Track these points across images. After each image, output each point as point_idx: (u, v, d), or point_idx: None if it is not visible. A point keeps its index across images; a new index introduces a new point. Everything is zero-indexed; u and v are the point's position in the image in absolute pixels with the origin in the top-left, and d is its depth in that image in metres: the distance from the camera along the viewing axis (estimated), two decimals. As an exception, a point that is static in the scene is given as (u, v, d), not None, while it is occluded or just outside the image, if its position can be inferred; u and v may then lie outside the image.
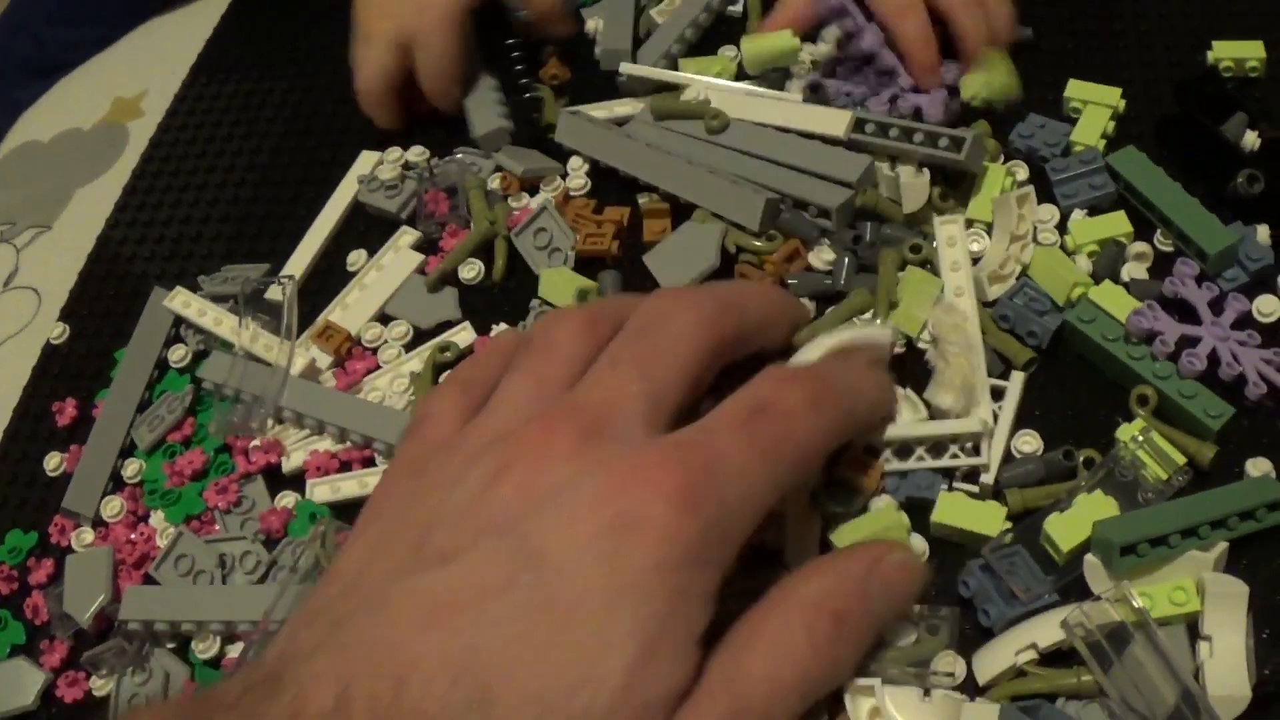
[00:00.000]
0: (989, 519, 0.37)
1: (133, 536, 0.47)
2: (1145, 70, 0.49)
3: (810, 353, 0.38)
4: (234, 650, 0.42)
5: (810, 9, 0.50)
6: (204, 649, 0.42)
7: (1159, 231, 0.44)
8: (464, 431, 0.32)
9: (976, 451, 0.38)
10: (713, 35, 0.55)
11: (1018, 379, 0.40)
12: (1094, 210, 0.45)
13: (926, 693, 0.34)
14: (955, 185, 0.46)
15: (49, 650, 0.45)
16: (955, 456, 0.39)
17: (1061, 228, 0.44)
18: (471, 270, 0.49)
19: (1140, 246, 0.43)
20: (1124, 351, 0.40)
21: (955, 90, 0.48)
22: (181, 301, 0.52)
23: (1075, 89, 0.47)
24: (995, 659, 0.35)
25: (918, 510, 0.38)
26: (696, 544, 0.28)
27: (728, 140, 0.48)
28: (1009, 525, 0.37)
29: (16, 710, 0.44)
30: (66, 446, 0.51)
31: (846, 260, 0.44)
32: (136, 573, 0.45)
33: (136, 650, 0.43)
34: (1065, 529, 0.36)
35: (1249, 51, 0.48)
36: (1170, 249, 0.43)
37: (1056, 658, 0.35)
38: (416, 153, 0.55)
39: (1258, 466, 0.38)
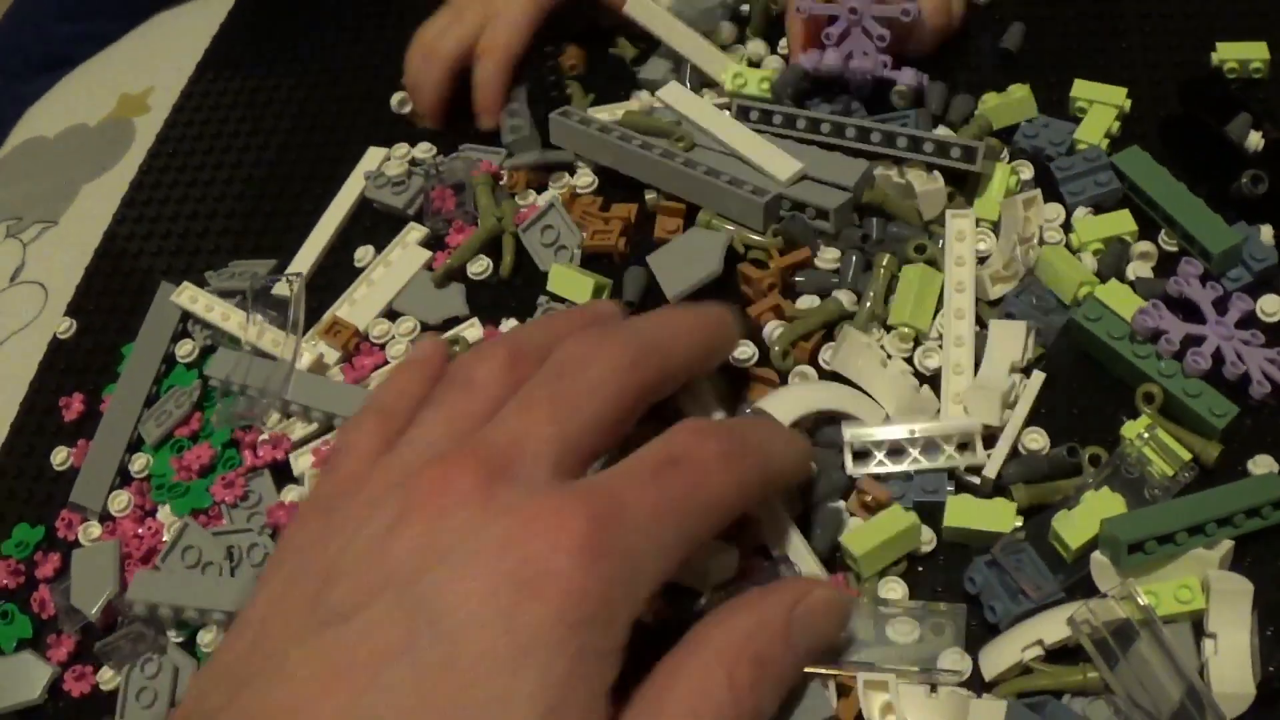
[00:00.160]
0: (1000, 517, 0.37)
1: (140, 531, 0.47)
2: (1149, 71, 0.49)
3: (788, 405, 0.38)
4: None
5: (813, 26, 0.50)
6: (210, 641, 0.42)
7: (1163, 231, 0.44)
8: (375, 468, 0.32)
9: (971, 449, 0.38)
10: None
11: (1037, 378, 0.40)
12: (1099, 209, 0.45)
13: (933, 688, 0.34)
14: (961, 184, 0.46)
15: (56, 644, 0.45)
16: (951, 458, 0.39)
17: (1066, 226, 0.45)
18: (479, 266, 0.50)
19: (1145, 246, 0.44)
20: (1129, 350, 0.40)
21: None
22: (189, 297, 0.52)
23: (1081, 89, 0.48)
24: (1002, 655, 0.35)
25: (926, 515, 0.38)
26: (600, 599, 0.27)
27: (719, 146, 0.48)
28: (1019, 522, 0.37)
29: (23, 704, 0.44)
30: (73, 441, 0.51)
31: (854, 259, 0.44)
32: (144, 567, 0.46)
33: (154, 638, 0.43)
34: (1073, 526, 0.36)
35: (1253, 53, 0.48)
36: (1175, 249, 0.44)
37: (1062, 654, 0.35)
38: (424, 149, 0.55)
39: (1262, 465, 0.38)
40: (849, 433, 0.39)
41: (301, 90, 0.62)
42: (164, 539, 0.46)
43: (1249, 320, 0.41)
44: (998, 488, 0.39)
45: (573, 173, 0.52)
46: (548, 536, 0.27)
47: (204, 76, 0.65)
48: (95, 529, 0.48)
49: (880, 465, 0.39)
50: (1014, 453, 0.39)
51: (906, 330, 0.42)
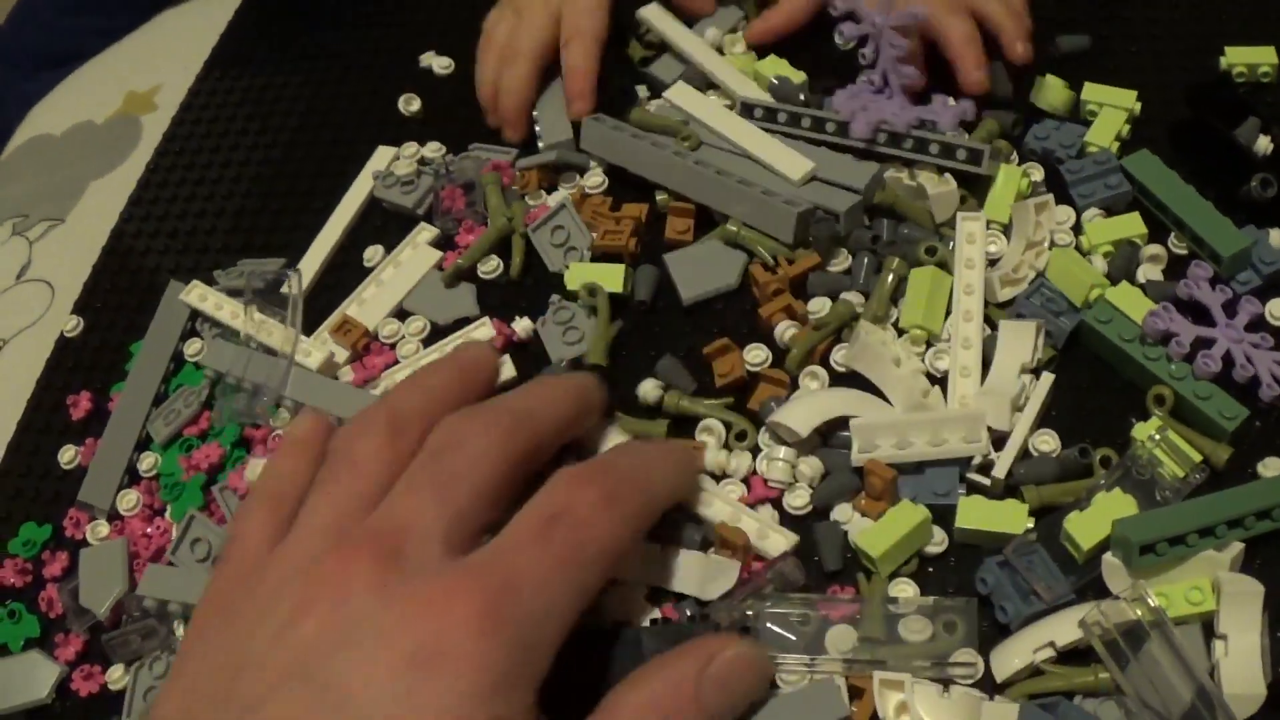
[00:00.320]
0: (1012, 518, 0.37)
1: (149, 530, 0.47)
2: (1158, 75, 0.49)
3: (802, 415, 0.40)
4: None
5: (807, 8, 0.50)
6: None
7: (1173, 234, 0.44)
8: (270, 559, 0.32)
9: (977, 440, 0.39)
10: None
11: (1046, 379, 0.40)
12: (1109, 211, 0.45)
13: (945, 688, 0.34)
14: (973, 186, 0.46)
15: (64, 644, 0.45)
16: (958, 446, 0.39)
17: (1076, 228, 0.45)
18: (489, 266, 0.50)
19: (1154, 249, 0.44)
20: (1140, 352, 0.40)
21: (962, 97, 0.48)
22: (198, 295, 0.52)
23: (1092, 91, 0.48)
24: (1013, 656, 0.35)
25: (937, 517, 0.38)
26: (502, 668, 0.28)
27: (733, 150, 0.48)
28: (1031, 523, 0.37)
29: (31, 704, 0.44)
30: (81, 440, 0.51)
31: (865, 261, 0.44)
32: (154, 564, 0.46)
33: (165, 634, 0.43)
34: (1085, 527, 0.36)
35: (1261, 57, 0.48)
36: (1184, 252, 0.44)
37: (1072, 656, 0.35)
38: (433, 149, 0.55)
39: (1272, 467, 0.38)
40: (855, 423, 0.39)
41: (310, 88, 0.62)
42: (173, 538, 0.46)
43: (1258, 323, 0.41)
44: (1009, 489, 0.39)
45: (583, 173, 0.52)
46: (445, 615, 0.28)
47: (211, 74, 0.65)
48: (103, 528, 0.48)
49: (886, 455, 0.39)
50: (1024, 454, 0.39)
51: (919, 332, 0.42)
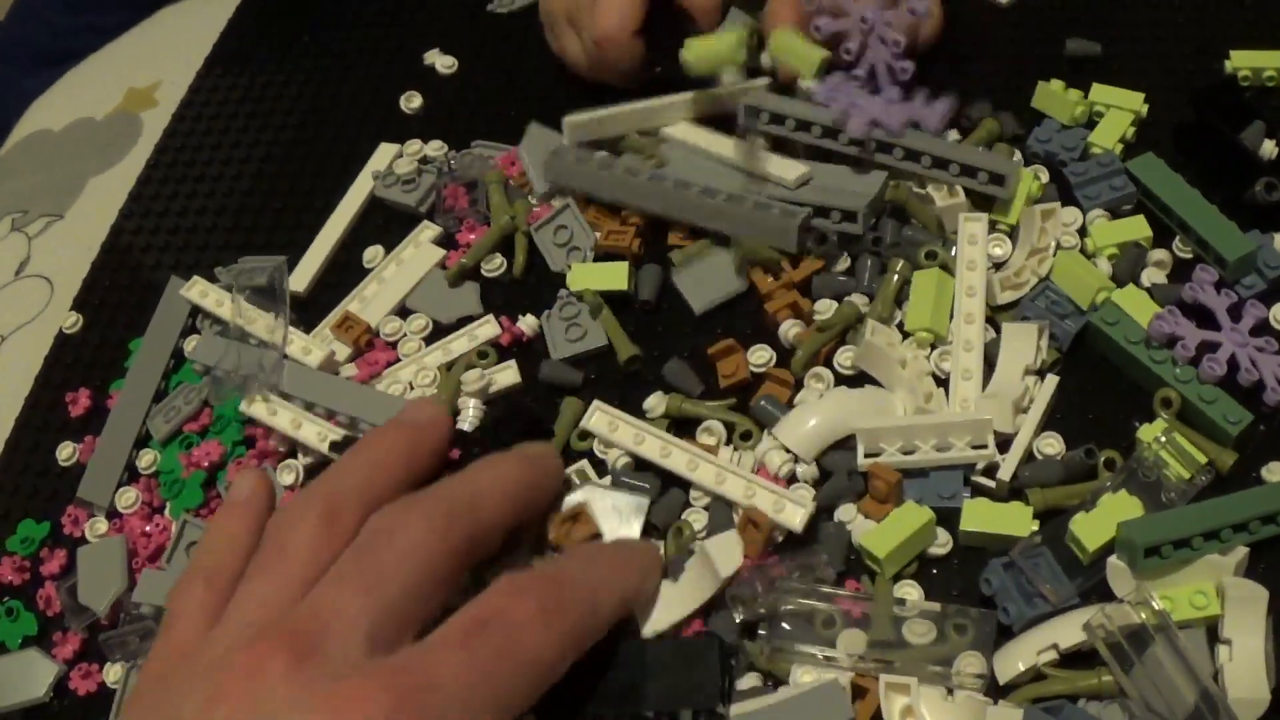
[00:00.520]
0: (1017, 521, 0.37)
1: (148, 528, 0.47)
2: (1163, 78, 0.49)
3: (808, 440, 0.40)
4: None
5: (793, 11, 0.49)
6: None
7: (1178, 238, 0.44)
8: (198, 647, 0.32)
9: (983, 445, 0.38)
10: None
11: (1050, 382, 0.40)
12: (1114, 214, 0.45)
13: (950, 691, 0.34)
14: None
15: (61, 642, 0.45)
16: (963, 452, 0.39)
17: (1081, 231, 0.45)
18: (493, 264, 0.49)
19: (1159, 253, 0.44)
20: (1146, 355, 0.40)
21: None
22: (199, 291, 0.52)
23: (1099, 93, 0.48)
24: (1016, 659, 0.35)
25: (941, 519, 0.38)
26: None
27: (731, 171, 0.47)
28: (1036, 526, 0.37)
29: (28, 702, 0.44)
30: (80, 437, 0.51)
31: (869, 262, 0.44)
32: (152, 566, 0.45)
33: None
34: (1091, 528, 0.36)
35: (1267, 61, 0.48)
36: (1189, 255, 0.44)
37: (1076, 659, 0.35)
38: (435, 147, 0.55)
39: (1276, 472, 0.38)
40: (860, 427, 0.39)
41: (312, 85, 0.62)
42: (171, 534, 0.46)
43: (1263, 328, 0.41)
44: (1013, 491, 0.39)
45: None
46: (352, 716, 0.28)
47: (212, 71, 0.65)
48: (102, 525, 0.47)
49: (892, 459, 0.39)
50: (1029, 456, 0.39)
51: (925, 335, 0.42)
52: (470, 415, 0.45)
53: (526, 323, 0.47)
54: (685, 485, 0.41)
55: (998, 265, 0.44)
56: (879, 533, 0.37)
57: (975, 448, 0.39)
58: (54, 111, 0.69)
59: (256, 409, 0.46)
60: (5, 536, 0.49)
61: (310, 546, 0.33)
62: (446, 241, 0.51)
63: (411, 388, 0.46)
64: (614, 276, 0.46)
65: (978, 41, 0.52)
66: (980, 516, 0.37)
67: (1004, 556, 0.37)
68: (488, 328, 0.47)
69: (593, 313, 0.46)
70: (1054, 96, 0.48)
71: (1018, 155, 0.47)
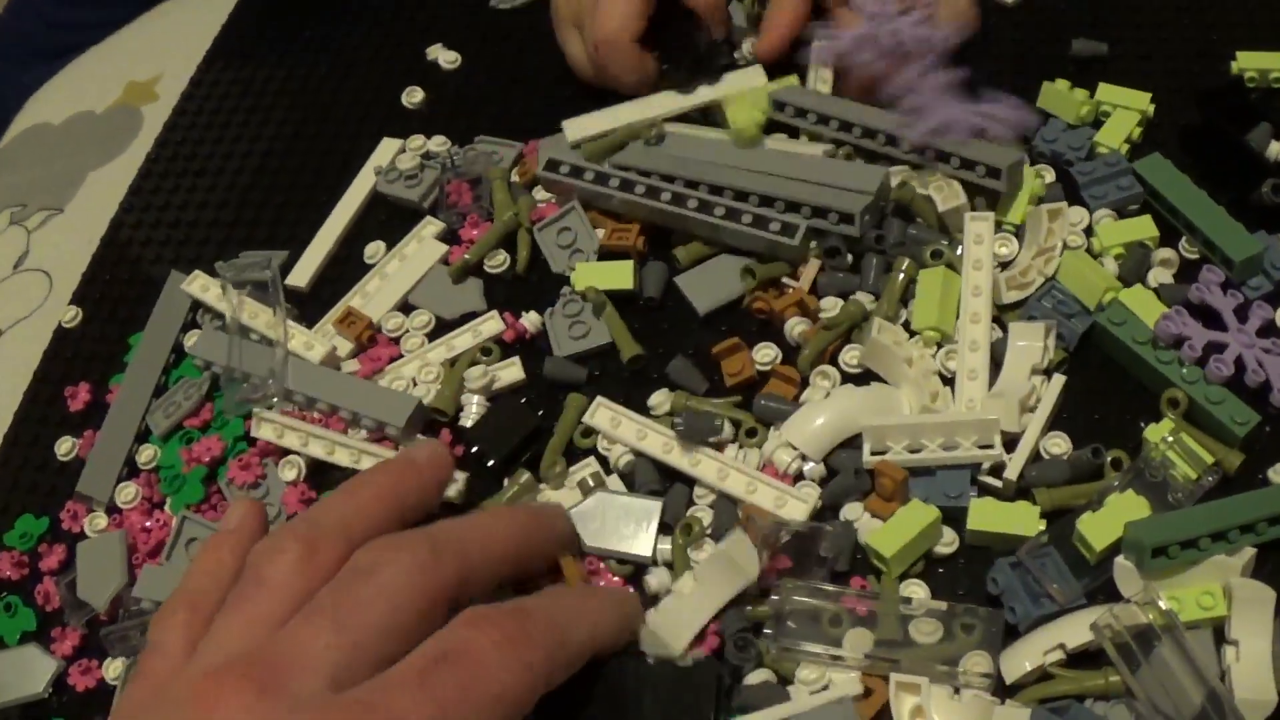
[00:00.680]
0: (1024, 520, 0.37)
1: (148, 524, 0.46)
2: (1169, 79, 0.49)
3: (817, 441, 0.39)
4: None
5: (803, 9, 0.49)
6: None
7: (1184, 238, 0.44)
8: (178, 671, 0.32)
9: (990, 446, 0.38)
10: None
11: (1057, 381, 0.40)
12: (1120, 213, 0.45)
13: (957, 690, 0.34)
14: (986, 190, 0.46)
15: (60, 638, 0.44)
16: (969, 451, 0.39)
17: (1088, 231, 0.45)
18: (497, 260, 0.49)
19: (1166, 253, 0.44)
20: (1153, 355, 0.40)
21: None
22: (200, 285, 0.52)
23: (1105, 92, 0.48)
24: (1023, 659, 0.35)
25: (949, 519, 0.38)
26: None
27: (737, 160, 0.47)
28: (1043, 525, 0.37)
29: (27, 698, 0.44)
30: (79, 432, 0.50)
31: (874, 261, 0.44)
32: (153, 561, 0.45)
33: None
34: (1098, 528, 0.36)
35: (1272, 63, 0.48)
36: (1195, 256, 0.44)
37: (1082, 659, 0.35)
38: (438, 142, 0.55)
39: (1282, 473, 0.38)
40: (867, 424, 0.39)
41: (313, 80, 0.62)
42: (171, 529, 0.46)
43: (1269, 329, 0.41)
44: (1020, 490, 0.39)
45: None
46: None
47: (213, 65, 0.65)
48: (101, 519, 0.47)
49: (898, 457, 0.39)
50: (1036, 456, 0.39)
51: (931, 334, 0.42)
52: (474, 411, 0.44)
53: (529, 319, 0.47)
54: (689, 482, 0.41)
55: (1004, 264, 0.44)
56: (885, 532, 0.37)
57: (982, 447, 0.39)
58: (54, 105, 0.69)
59: (264, 431, 0.45)
60: (3, 531, 0.48)
61: (288, 579, 0.32)
62: (449, 237, 0.51)
63: (415, 384, 0.46)
64: (619, 275, 0.46)
65: (983, 41, 0.52)
66: (987, 516, 0.37)
67: (1010, 556, 0.37)
68: (491, 324, 0.47)
69: (596, 311, 0.46)
70: (1060, 96, 0.48)
71: (1022, 154, 0.47)
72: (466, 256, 0.49)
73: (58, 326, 0.55)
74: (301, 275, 0.52)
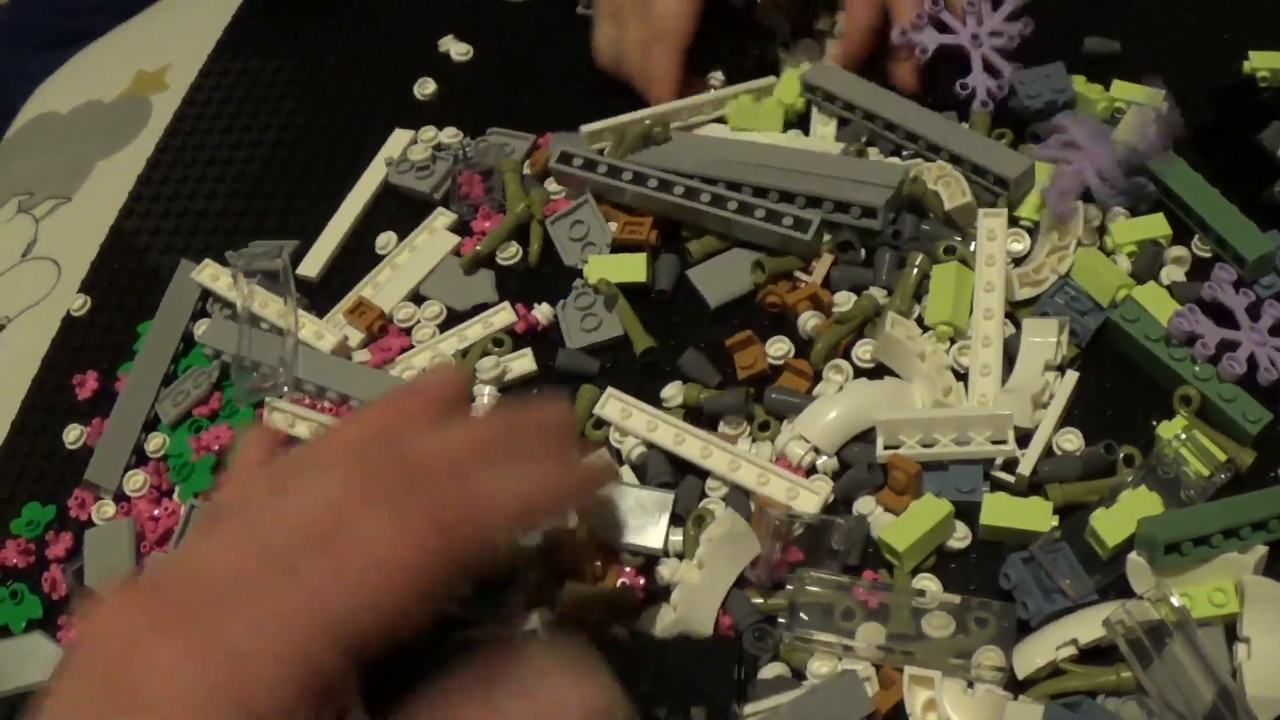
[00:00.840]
0: (1037, 516, 0.37)
1: (156, 512, 0.46)
2: (1182, 78, 0.49)
3: (830, 435, 0.39)
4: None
5: (875, 18, 0.49)
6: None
7: (1196, 237, 0.44)
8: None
9: (1003, 441, 0.38)
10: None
11: (1070, 377, 0.40)
12: (1133, 211, 0.45)
13: (970, 685, 0.34)
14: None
15: (67, 625, 0.44)
16: (982, 446, 0.39)
17: (1101, 228, 0.45)
18: (509, 252, 0.49)
19: (1178, 250, 0.44)
20: (1166, 352, 0.40)
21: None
22: (210, 274, 0.52)
23: (1119, 89, 0.48)
24: (1035, 654, 0.35)
25: (962, 514, 0.38)
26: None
27: (759, 158, 0.47)
28: (1056, 521, 0.37)
29: (32, 685, 0.43)
30: (87, 420, 0.50)
31: (888, 256, 0.44)
32: (160, 549, 0.45)
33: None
34: (1111, 524, 0.36)
35: (1285, 62, 0.48)
36: (1208, 254, 0.44)
37: (1093, 655, 0.35)
38: (450, 134, 0.55)
39: (1295, 471, 0.38)
40: (880, 419, 0.39)
41: (324, 70, 0.62)
42: (180, 517, 0.45)
43: (1281, 327, 0.41)
44: (1032, 486, 0.39)
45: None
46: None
47: (223, 54, 0.65)
48: (109, 507, 0.47)
49: (911, 451, 0.39)
50: (1048, 451, 0.39)
51: (945, 329, 0.42)
52: (485, 403, 0.44)
53: (541, 311, 0.47)
54: (702, 475, 0.41)
55: (1017, 261, 0.44)
56: (898, 526, 0.37)
57: (995, 442, 0.39)
58: (62, 93, 0.69)
59: (275, 420, 0.45)
60: (10, 519, 0.48)
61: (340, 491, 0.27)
62: (461, 229, 0.51)
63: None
64: (632, 268, 0.46)
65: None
66: (1000, 511, 0.37)
67: (1023, 551, 0.37)
68: (503, 315, 0.47)
69: (608, 304, 0.46)
70: (1078, 93, 0.48)
71: (1031, 161, 0.46)
72: (478, 248, 0.49)
73: (66, 315, 0.55)
74: (312, 265, 0.51)
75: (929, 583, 0.37)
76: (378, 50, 0.61)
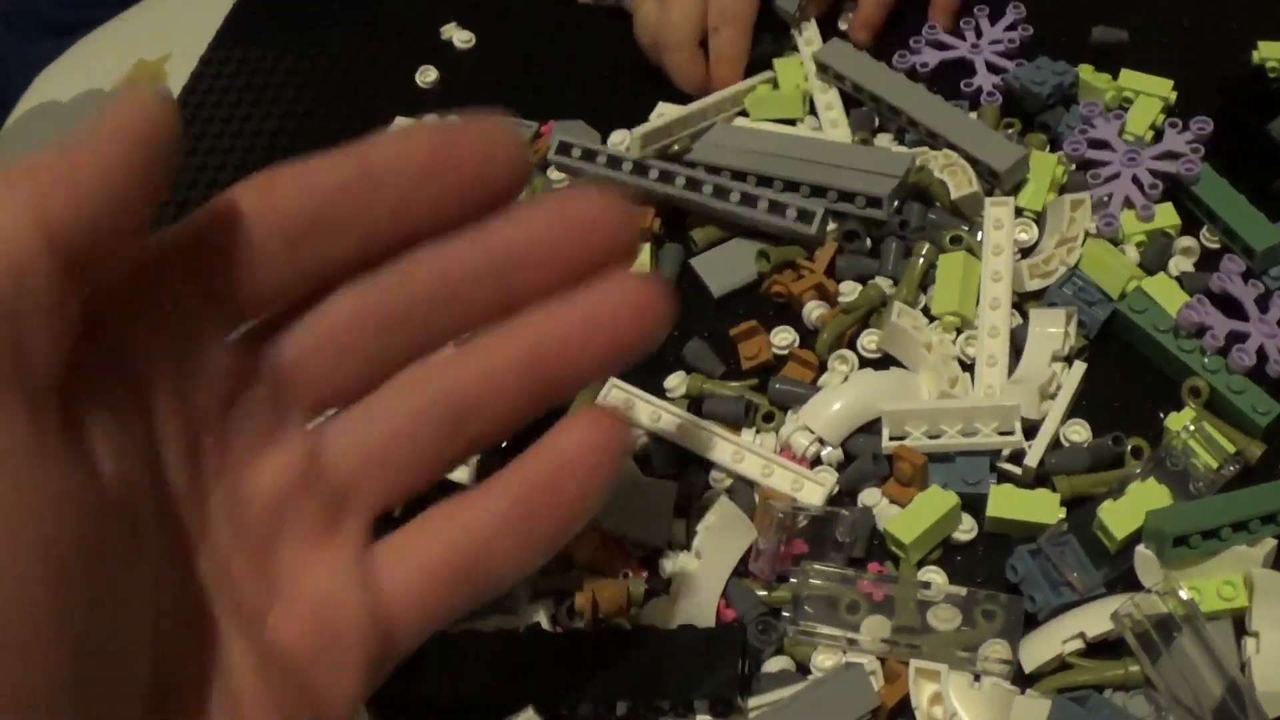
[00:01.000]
0: (1044, 508, 0.37)
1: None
2: (1190, 69, 0.49)
3: (835, 425, 0.38)
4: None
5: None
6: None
7: (1205, 227, 0.44)
8: None
9: (1010, 432, 0.38)
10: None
11: (1078, 368, 0.40)
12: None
13: (977, 678, 0.34)
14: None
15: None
16: (988, 437, 0.38)
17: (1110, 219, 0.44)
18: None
19: (1187, 241, 0.43)
20: (1174, 344, 0.40)
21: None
22: (210, 265, 0.51)
23: (1128, 79, 0.47)
24: (1042, 648, 0.35)
25: (968, 506, 0.38)
26: None
27: (764, 146, 0.47)
28: (1063, 513, 0.37)
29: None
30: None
31: (894, 245, 0.44)
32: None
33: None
34: (1119, 516, 0.35)
35: (1294, 52, 0.48)
36: (1217, 245, 0.43)
37: (1100, 649, 0.35)
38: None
39: (1304, 464, 0.38)
40: (886, 409, 0.39)
41: (325, 59, 0.61)
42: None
43: (1291, 319, 0.40)
44: (1039, 478, 0.38)
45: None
46: None
47: (224, 44, 0.64)
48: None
49: (918, 443, 0.38)
50: (1056, 443, 0.39)
51: (951, 319, 0.41)
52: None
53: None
54: (705, 465, 0.40)
55: (1024, 251, 0.44)
56: (904, 518, 0.36)
57: (1002, 433, 0.38)
58: (62, 82, 0.68)
59: None
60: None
61: None
62: (462, 218, 0.51)
63: (426, 363, 0.46)
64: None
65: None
66: (1007, 503, 0.37)
67: (1030, 544, 0.36)
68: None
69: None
70: (1084, 82, 0.47)
71: (1025, 151, 0.45)
72: (480, 237, 0.49)
73: (65, 303, 0.54)
74: (313, 254, 0.51)
75: (935, 575, 0.37)
76: (379, 38, 0.61)
